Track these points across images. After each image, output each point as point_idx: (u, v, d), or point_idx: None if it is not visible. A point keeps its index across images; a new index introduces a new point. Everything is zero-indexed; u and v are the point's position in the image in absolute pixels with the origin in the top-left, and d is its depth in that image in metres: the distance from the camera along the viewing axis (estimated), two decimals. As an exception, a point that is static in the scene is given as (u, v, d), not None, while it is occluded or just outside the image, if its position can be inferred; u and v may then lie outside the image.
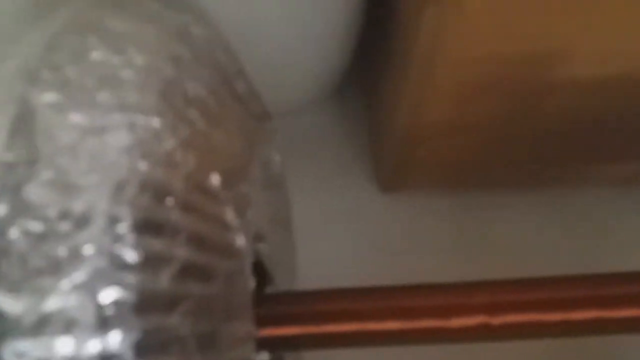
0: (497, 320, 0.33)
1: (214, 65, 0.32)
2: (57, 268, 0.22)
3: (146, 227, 0.24)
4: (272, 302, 0.34)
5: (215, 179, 0.28)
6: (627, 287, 0.32)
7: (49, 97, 0.25)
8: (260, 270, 0.35)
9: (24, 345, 0.21)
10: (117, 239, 0.23)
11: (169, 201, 0.25)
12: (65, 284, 0.22)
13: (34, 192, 0.23)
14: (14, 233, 0.23)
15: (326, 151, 0.53)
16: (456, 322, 0.33)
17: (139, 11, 0.32)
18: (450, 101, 0.41)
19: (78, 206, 0.23)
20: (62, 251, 0.23)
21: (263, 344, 0.31)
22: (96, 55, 0.27)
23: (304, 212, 0.42)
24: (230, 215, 0.28)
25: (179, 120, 0.27)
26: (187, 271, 0.25)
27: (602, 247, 0.50)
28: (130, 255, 0.23)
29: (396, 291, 0.34)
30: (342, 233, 0.49)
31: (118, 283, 0.23)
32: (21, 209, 0.23)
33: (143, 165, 0.25)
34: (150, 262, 0.24)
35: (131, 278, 0.23)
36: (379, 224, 0.50)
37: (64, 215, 0.23)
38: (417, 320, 0.34)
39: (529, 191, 0.52)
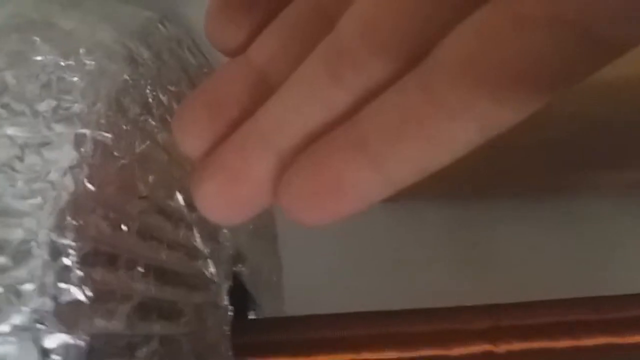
0: (501, 348, 0.31)
1: (181, 66, 0.29)
2: (-8, 309, 0.20)
3: (96, 259, 0.21)
4: (256, 330, 0.31)
5: (179, 199, 0.25)
6: (638, 310, 0.30)
7: (-18, 107, 0.22)
8: (242, 294, 0.32)
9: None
10: (62, 274, 0.20)
11: (123, 228, 0.22)
12: (5, 327, 0.19)
13: (-37, 220, 0.20)
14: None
15: None
16: (457, 351, 0.32)
17: (94, 7, 0.29)
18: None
19: (16, 235, 0.20)
20: (-2, 290, 0.20)
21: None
22: (40, 58, 0.24)
23: (291, 222, 0.40)
24: (198, 239, 0.26)
25: (134, 131, 0.25)
26: (148, 308, 0.22)
27: (605, 256, 0.48)
28: (79, 294, 0.20)
29: (393, 317, 0.32)
30: (334, 244, 0.47)
31: (65, 327, 0.20)
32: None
33: (91, 186, 0.22)
34: (102, 300, 0.21)
35: (81, 320, 0.20)
36: (374, 235, 0.48)
37: (1, 246, 0.20)
38: (416, 349, 0.32)
39: (532, 200, 0.50)
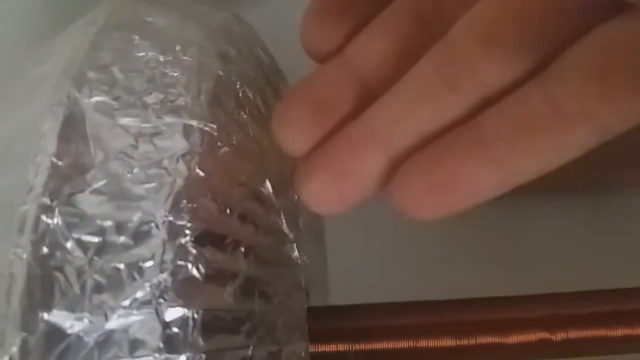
0: (559, 335, 0.32)
1: (258, 64, 0.31)
2: (117, 284, 0.22)
3: (207, 239, 0.23)
4: (318, 318, 0.33)
5: (268, 186, 0.27)
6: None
7: (97, 99, 0.24)
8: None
9: (88, 368, 0.21)
10: (180, 253, 0.22)
11: (228, 211, 0.24)
12: (128, 302, 0.21)
13: (88, 202, 0.23)
14: (70, 247, 0.22)
15: None
16: (515, 339, 0.33)
17: (175, 7, 0.31)
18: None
19: (135, 217, 0.23)
20: (121, 266, 0.22)
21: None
22: (142, 54, 0.27)
23: (332, 223, 0.41)
24: (284, 225, 0.28)
25: (232, 123, 0.27)
26: (250, 287, 0.24)
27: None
28: (194, 271, 0.22)
29: (450, 305, 0.33)
30: (372, 244, 0.49)
31: (183, 301, 0.22)
32: (75, 220, 0.22)
33: (201, 172, 0.24)
34: (214, 278, 0.23)
35: (196, 295, 0.22)
36: (409, 230, 0.49)
37: (121, 226, 0.22)
38: (473, 337, 0.33)
39: (564, 196, 0.52)
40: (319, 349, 0.30)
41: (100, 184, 0.23)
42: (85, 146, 0.23)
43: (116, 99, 0.25)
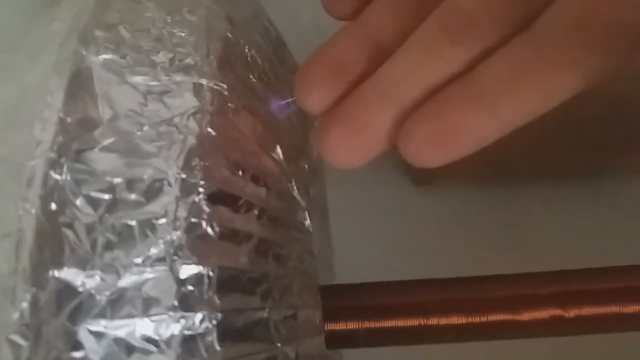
0: (571, 312, 0.32)
1: (265, 33, 0.31)
2: (129, 242, 0.21)
3: (221, 198, 0.23)
4: (327, 296, 0.32)
5: (279, 152, 0.27)
6: None
7: (105, 57, 0.24)
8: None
9: (102, 325, 0.20)
10: (193, 210, 0.22)
11: (240, 172, 0.24)
12: (141, 259, 0.21)
13: (98, 159, 0.22)
14: (79, 204, 0.21)
15: None
16: (527, 315, 0.32)
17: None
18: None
19: (146, 174, 0.22)
20: (133, 223, 0.21)
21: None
22: (149, 14, 0.26)
23: (335, 207, 0.41)
24: (296, 191, 0.27)
25: (241, 84, 0.26)
26: (264, 249, 0.24)
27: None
28: (208, 228, 0.22)
29: (461, 283, 0.33)
30: (375, 229, 0.49)
31: (198, 258, 0.21)
32: (84, 177, 0.22)
33: (212, 131, 0.23)
34: (228, 237, 0.22)
35: (211, 253, 0.22)
36: (414, 219, 0.49)
37: (132, 183, 0.22)
38: (485, 314, 0.32)
39: (571, 181, 0.51)
40: (329, 327, 0.29)
41: (109, 141, 0.22)
42: (94, 103, 0.23)
43: (124, 57, 0.24)
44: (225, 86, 0.24)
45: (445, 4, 0.20)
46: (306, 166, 0.28)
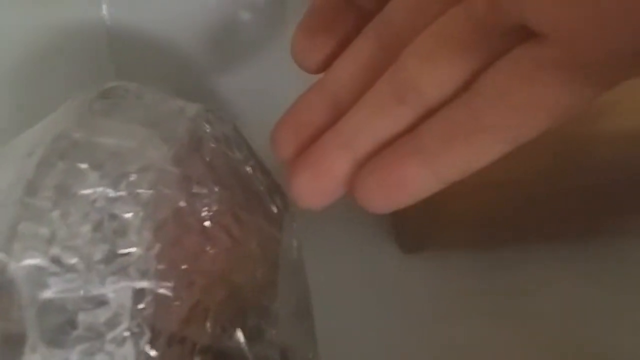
0: None
1: (230, 167, 0.28)
2: None
3: None
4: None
5: (239, 336, 0.24)
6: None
7: (30, 263, 0.21)
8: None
9: None
10: None
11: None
12: None
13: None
14: None
15: (342, 212, 0.49)
16: None
17: (135, 109, 0.27)
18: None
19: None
20: None
21: None
22: (89, 191, 0.23)
23: (321, 277, 0.38)
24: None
25: (193, 270, 0.23)
26: None
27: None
28: None
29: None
30: (363, 298, 0.46)
31: None
32: None
33: (153, 352, 0.20)
34: None
35: None
36: (402, 287, 0.47)
37: None
38: None
39: (562, 246, 0.48)
40: None
41: None
42: (13, 328, 0.19)
43: (53, 260, 0.21)
44: (170, 285, 0.21)
45: (393, 69, 0.22)
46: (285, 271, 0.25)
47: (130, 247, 0.22)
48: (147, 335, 0.20)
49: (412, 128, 0.22)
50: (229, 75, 0.39)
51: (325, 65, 0.25)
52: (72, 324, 0.20)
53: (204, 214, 0.25)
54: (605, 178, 0.40)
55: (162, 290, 0.21)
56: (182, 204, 0.24)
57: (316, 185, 0.23)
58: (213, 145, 0.27)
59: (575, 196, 0.42)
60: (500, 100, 0.20)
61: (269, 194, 0.29)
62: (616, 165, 0.40)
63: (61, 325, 0.20)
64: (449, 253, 0.47)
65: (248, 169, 0.29)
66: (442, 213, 0.42)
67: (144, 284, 0.21)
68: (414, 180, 0.22)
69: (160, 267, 0.22)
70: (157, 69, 0.38)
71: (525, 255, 0.47)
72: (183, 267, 0.23)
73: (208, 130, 0.27)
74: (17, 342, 0.20)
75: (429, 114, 0.22)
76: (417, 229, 0.45)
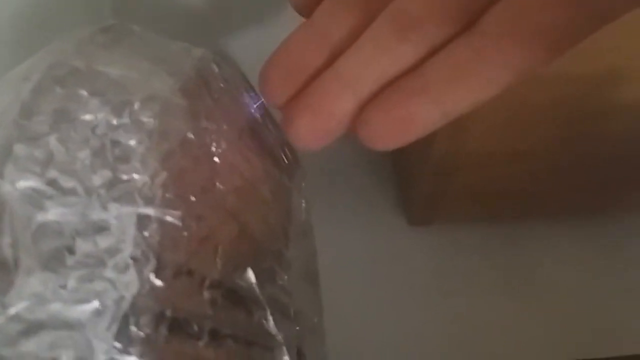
0: None
1: (239, 110, 0.26)
2: None
3: None
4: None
5: (250, 276, 0.22)
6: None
7: (24, 184, 0.19)
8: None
9: None
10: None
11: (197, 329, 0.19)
12: None
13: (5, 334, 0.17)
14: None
15: (349, 182, 0.49)
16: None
17: (140, 47, 0.25)
18: (496, 129, 0.37)
19: (68, 356, 0.17)
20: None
21: None
22: (90, 116, 0.21)
23: (328, 250, 0.37)
24: (271, 324, 0.22)
25: (202, 203, 0.21)
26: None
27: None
28: None
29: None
30: (369, 270, 0.45)
31: None
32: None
33: (158, 282, 0.18)
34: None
35: None
36: (409, 261, 0.46)
37: None
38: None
39: (570, 220, 0.48)
40: None
41: (21, 306, 0.17)
42: (5, 252, 0.17)
43: (50, 183, 0.18)
44: (178, 214, 0.19)
45: (393, 5, 0.22)
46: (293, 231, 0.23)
47: (133, 173, 0.20)
48: (152, 263, 0.18)
49: (414, 67, 0.22)
50: (232, 27, 0.38)
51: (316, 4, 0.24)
52: (69, 249, 0.18)
53: (213, 149, 0.23)
54: (620, 149, 0.40)
55: (169, 218, 0.19)
56: (190, 135, 0.22)
57: (317, 127, 0.22)
58: (222, 85, 0.25)
59: (586, 169, 0.41)
60: (504, 35, 0.20)
61: (280, 145, 0.28)
62: (631, 136, 0.39)
63: (58, 249, 0.18)
64: (456, 227, 0.47)
65: (257, 115, 0.27)
66: (451, 186, 0.42)
67: (149, 210, 0.19)
68: (420, 115, 0.22)
69: (168, 195, 0.20)
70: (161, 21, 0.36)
71: (533, 230, 0.46)
72: (192, 198, 0.21)
73: (216, 71, 0.26)
74: (10, 266, 0.17)
75: (433, 52, 0.22)
76: (426, 201, 0.44)
